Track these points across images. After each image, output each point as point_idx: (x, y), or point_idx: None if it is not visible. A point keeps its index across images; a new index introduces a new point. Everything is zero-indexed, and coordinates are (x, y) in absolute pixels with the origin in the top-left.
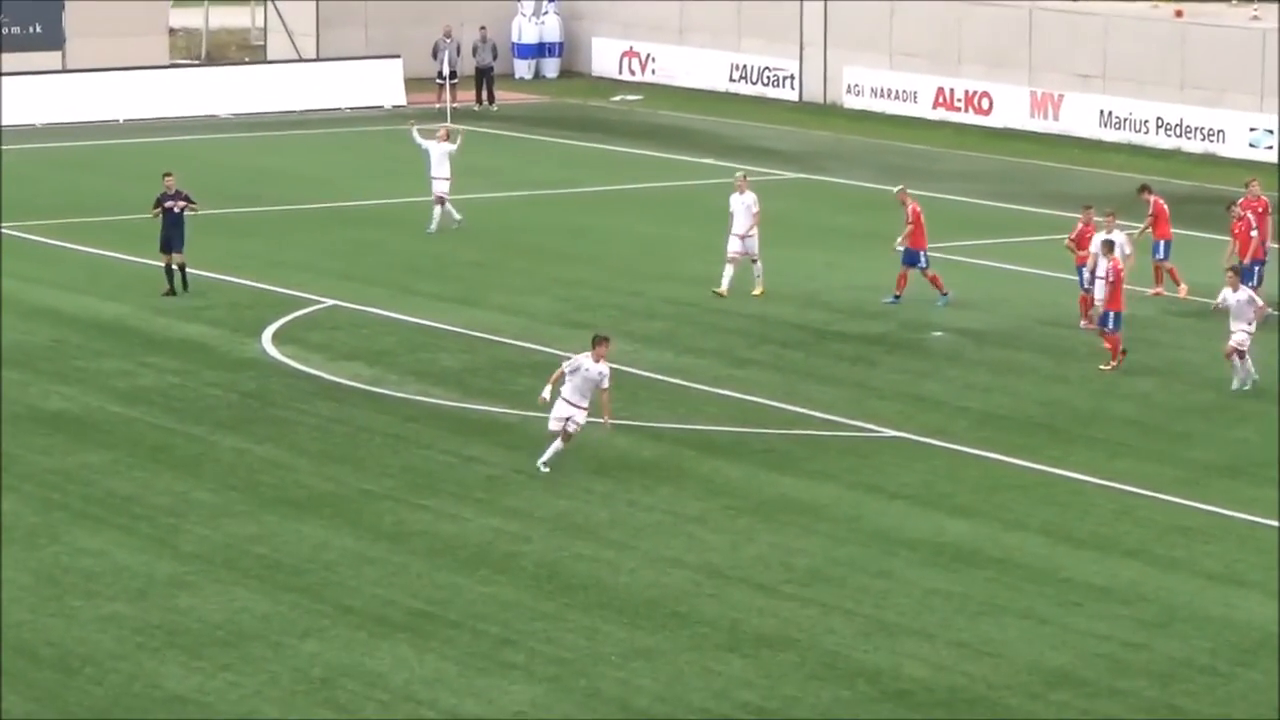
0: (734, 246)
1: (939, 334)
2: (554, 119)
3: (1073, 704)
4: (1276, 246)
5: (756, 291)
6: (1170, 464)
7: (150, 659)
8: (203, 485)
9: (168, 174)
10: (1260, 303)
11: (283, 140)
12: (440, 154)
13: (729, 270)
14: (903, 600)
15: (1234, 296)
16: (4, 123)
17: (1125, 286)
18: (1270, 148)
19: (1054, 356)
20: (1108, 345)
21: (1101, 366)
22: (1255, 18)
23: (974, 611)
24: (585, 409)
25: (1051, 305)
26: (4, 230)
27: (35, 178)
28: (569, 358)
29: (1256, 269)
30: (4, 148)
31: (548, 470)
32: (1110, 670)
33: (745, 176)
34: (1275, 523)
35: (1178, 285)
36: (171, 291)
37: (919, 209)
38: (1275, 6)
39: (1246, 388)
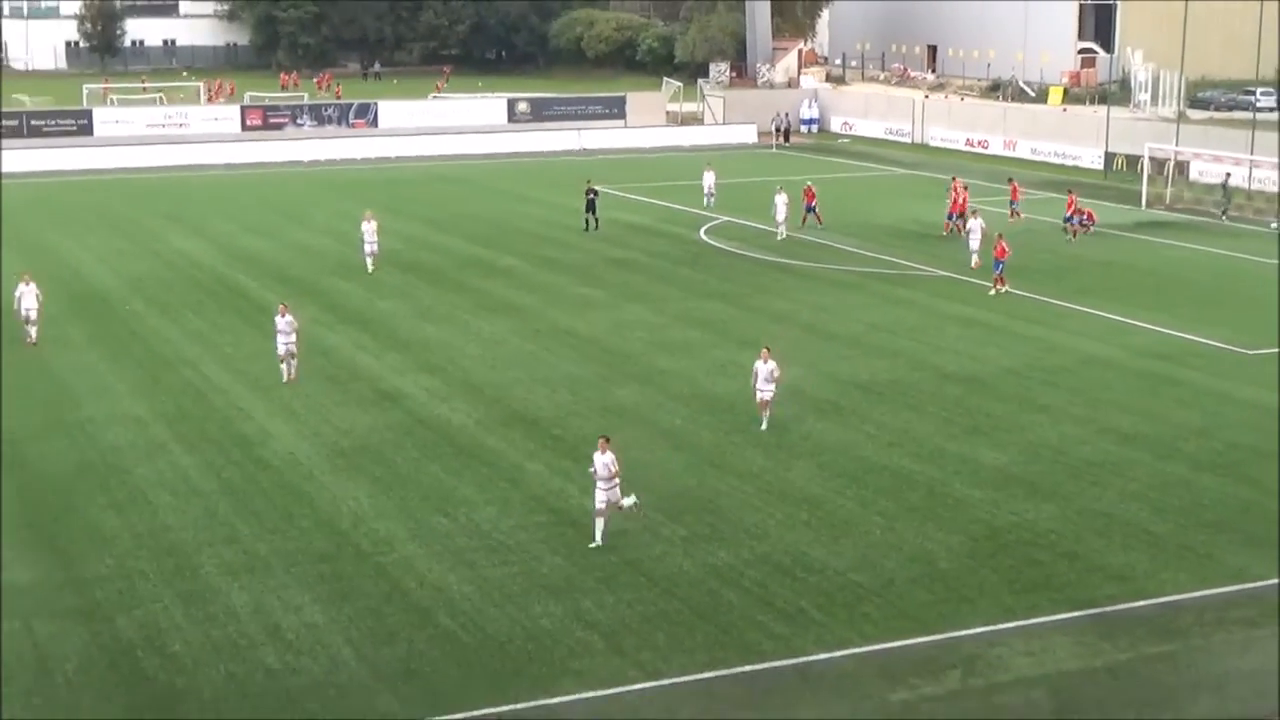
0: (779, 215)
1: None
2: (816, 149)
3: (1017, 383)
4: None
5: (784, 237)
6: (1064, 290)
7: (607, 382)
8: (653, 285)
9: (589, 180)
10: (779, 372)
11: (707, 158)
12: (710, 179)
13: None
14: (947, 338)
15: (764, 367)
16: (597, 146)
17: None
18: (1100, 165)
19: (1018, 247)
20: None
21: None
22: (1095, 112)
23: (977, 342)
24: (613, 486)
25: (1017, 227)
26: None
27: (594, 174)
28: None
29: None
30: (594, 158)
31: (596, 546)
32: (1031, 368)
33: (782, 187)
34: (1104, 313)
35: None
36: (586, 229)
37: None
38: (1105, 108)
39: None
